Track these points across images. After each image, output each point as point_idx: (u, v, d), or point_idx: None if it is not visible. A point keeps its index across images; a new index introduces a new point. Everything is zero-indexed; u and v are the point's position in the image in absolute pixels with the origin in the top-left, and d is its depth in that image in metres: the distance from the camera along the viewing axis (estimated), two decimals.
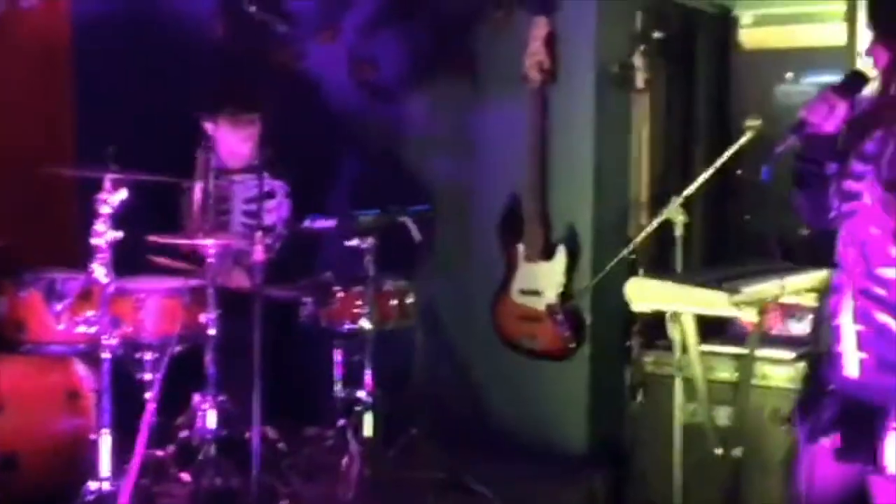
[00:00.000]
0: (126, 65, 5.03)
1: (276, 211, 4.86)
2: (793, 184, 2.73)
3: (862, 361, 2.54)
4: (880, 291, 2.50)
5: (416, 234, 4.50)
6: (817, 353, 2.76)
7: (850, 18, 4.90)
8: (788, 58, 5.11)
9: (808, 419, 2.65)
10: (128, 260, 4.08)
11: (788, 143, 2.65)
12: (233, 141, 4.76)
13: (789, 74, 5.09)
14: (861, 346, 2.54)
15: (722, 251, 5.16)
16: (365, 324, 4.51)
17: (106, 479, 3.90)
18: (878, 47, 2.55)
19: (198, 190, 4.58)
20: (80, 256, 3.98)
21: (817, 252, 3.06)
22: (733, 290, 3.63)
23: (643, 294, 3.73)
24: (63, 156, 4.81)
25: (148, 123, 4.83)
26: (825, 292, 2.75)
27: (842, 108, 2.59)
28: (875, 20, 2.60)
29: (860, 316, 2.54)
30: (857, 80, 2.65)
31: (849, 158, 2.59)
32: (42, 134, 4.81)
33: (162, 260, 4.37)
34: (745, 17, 5.24)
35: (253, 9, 4.25)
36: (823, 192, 2.64)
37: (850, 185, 2.57)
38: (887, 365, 2.49)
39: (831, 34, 4.99)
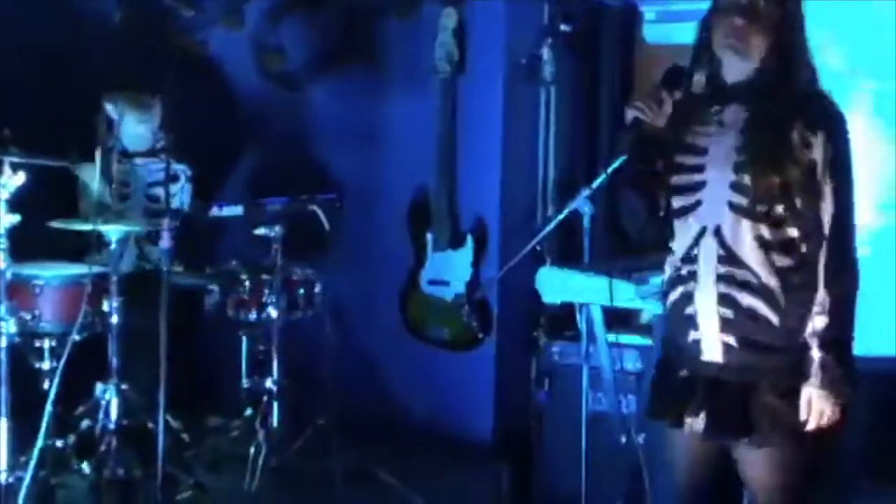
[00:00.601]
0: (23, 45, 4.89)
1: (179, 195, 4.78)
2: (627, 184, 2.75)
3: (725, 344, 2.56)
4: (744, 274, 2.53)
5: (325, 223, 4.46)
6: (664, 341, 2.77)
7: None
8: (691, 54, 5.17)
9: (664, 406, 2.67)
10: (26, 245, 3.97)
11: (625, 141, 2.69)
12: (133, 122, 4.67)
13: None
14: (725, 329, 2.56)
15: (624, 243, 5.22)
16: (272, 313, 4.46)
17: (3, 471, 3.80)
18: (757, 32, 2.54)
19: None
20: None
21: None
22: (641, 282, 3.68)
23: (554, 285, 3.75)
24: None
25: (46, 106, 4.70)
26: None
27: (669, 104, 2.64)
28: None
29: (723, 301, 2.55)
30: (677, 73, 2.69)
31: (679, 153, 2.61)
32: None
33: None
34: (649, 12, 5.29)
35: None
36: (657, 188, 2.66)
37: (684, 178, 2.61)
38: (754, 345, 2.53)
39: None
